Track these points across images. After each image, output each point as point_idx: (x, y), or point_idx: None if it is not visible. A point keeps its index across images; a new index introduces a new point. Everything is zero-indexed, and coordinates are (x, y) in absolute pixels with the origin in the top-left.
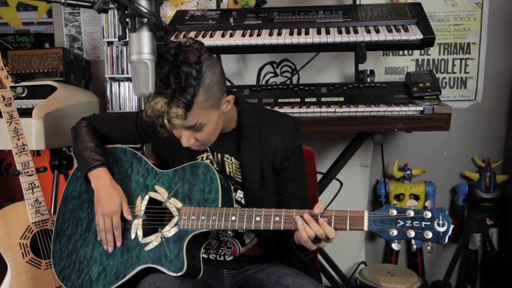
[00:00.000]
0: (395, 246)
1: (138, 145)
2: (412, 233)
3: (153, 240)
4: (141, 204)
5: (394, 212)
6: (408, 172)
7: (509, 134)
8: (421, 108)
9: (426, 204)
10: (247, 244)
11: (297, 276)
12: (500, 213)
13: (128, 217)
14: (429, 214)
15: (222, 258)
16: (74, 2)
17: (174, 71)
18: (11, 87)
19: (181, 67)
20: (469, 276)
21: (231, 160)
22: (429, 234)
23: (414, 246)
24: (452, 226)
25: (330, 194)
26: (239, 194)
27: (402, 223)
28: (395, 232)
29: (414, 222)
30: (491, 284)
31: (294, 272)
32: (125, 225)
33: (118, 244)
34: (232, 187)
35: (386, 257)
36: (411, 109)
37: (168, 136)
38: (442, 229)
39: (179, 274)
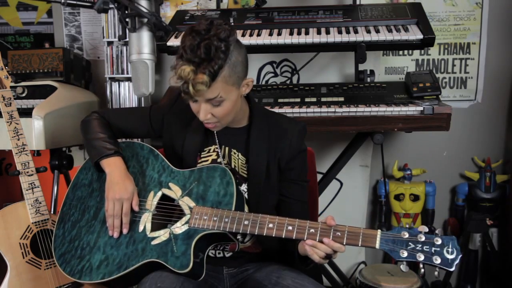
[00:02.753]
0: (403, 267)
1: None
2: (421, 257)
3: (161, 235)
4: (153, 199)
5: (406, 235)
6: (408, 172)
7: (509, 134)
8: (421, 108)
9: (437, 232)
10: (246, 241)
11: (297, 276)
12: (500, 213)
13: (136, 208)
14: (439, 241)
15: (221, 254)
16: (74, 2)
17: (205, 42)
18: (11, 87)
19: (212, 40)
20: (469, 276)
21: (238, 155)
22: (438, 260)
23: (422, 270)
24: (460, 255)
25: (330, 194)
26: (243, 188)
27: (412, 246)
28: (405, 254)
29: (425, 247)
30: (491, 284)
31: (294, 272)
32: (134, 217)
33: (125, 231)
34: (237, 181)
35: (386, 257)
36: (411, 109)
37: (180, 126)
38: (451, 257)
39: (184, 271)
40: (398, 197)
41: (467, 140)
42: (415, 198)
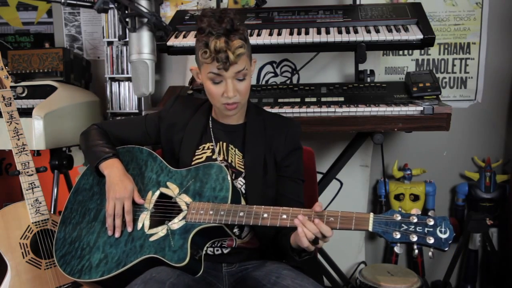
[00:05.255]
0: (397, 249)
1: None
2: (414, 237)
3: (159, 231)
4: (151, 198)
5: (399, 217)
6: (408, 172)
7: (509, 134)
8: (421, 108)
9: (429, 213)
10: (243, 237)
11: (296, 276)
12: (500, 213)
13: (140, 201)
14: (432, 221)
15: (219, 251)
16: (74, 2)
17: (226, 16)
18: (11, 87)
19: (229, 14)
20: (469, 276)
21: (235, 151)
22: (431, 240)
23: (416, 251)
24: (453, 234)
25: (330, 194)
26: (240, 182)
27: (405, 227)
28: (398, 235)
29: (417, 227)
30: (491, 284)
31: (294, 272)
32: (133, 215)
33: (130, 229)
34: (233, 175)
35: (386, 257)
36: (411, 109)
37: (179, 127)
38: (444, 236)
39: (181, 264)
40: (398, 197)
41: (467, 140)
42: (415, 198)
